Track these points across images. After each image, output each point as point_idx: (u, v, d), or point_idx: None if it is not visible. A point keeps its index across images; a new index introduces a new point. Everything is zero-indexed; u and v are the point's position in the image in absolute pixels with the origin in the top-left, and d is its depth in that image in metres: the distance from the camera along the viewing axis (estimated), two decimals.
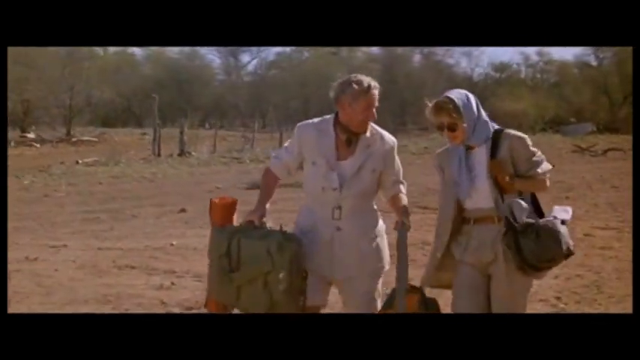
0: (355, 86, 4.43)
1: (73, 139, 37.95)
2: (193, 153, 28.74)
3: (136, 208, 14.50)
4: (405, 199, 4.69)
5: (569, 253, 4.22)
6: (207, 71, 66.04)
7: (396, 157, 4.71)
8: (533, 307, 7.17)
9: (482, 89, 58.16)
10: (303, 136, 4.62)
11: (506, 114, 53.61)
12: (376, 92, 4.49)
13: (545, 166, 4.37)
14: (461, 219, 4.45)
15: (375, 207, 4.70)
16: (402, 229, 4.46)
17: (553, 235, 4.17)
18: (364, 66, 64.57)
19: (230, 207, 4.63)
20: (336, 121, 4.56)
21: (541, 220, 4.24)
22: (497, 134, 4.35)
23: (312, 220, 4.58)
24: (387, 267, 4.69)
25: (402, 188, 4.73)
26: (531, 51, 66.78)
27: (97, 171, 22.31)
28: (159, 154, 28.34)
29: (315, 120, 4.68)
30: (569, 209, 4.36)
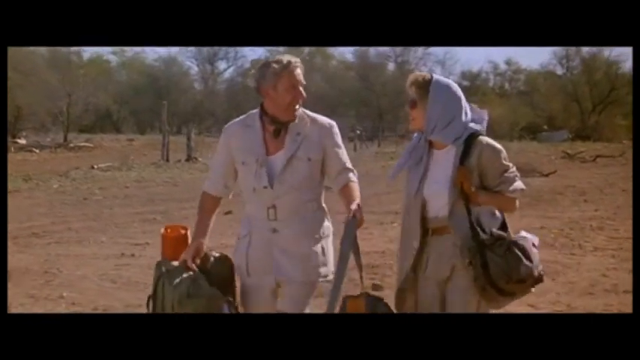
0: (275, 65, 4.01)
1: (70, 145, 38.41)
2: (200, 158, 29.35)
3: (183, 210, 15.09)
4: (356, 189, 4.15)
5: (539, 278, 3.84)
6: (184, 78, 66.63)
7: (339, 142, 4.23)
8: (627, 298, 7.98)
9: None
10: (229, 136, 4.22)
11: None
12: (298, 68, 4.05)
13: (518, 184, 3.95)
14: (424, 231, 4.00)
15: (324, 205, 4.26)
16: (350, 222, 3.91)
17: (525, 253, 3.77)
18: (339, 74, 65.83)
19: (182, 240, 4.24)
20: (262, 113, 4.16)
21: (513, 236, 3.85)
22: (472, 139, 3.92)
23: (248, 225, 4.19)
24: (331, 276, 4.14)
25: (352, 176, 4.20)
26: (500, 60, 68.41)
27: (115, 176, 22.88)
28: (167, 160, 28.91)
29: (242, 117, 4.28)
30: (536, 238, 3.94)
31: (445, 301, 3.96)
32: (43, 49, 49.57)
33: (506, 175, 3.92)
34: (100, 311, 7.41)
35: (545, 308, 7.42)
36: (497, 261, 3.73)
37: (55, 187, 19.49)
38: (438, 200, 3.93)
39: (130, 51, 66.06)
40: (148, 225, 13.28)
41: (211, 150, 32.79)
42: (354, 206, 3.96)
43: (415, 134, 4.10)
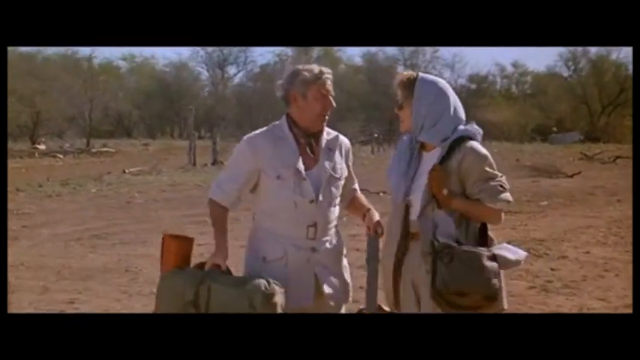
0: (306, 74, 3.93)
1: (92, 150, 38.92)
2: (225, 162, 29.79)
3: (230, 213, 15.43)
4: (364, 199, 4.26)
5: (489, 294, 3.57)
6: (195, 83, 67.24)
7: None
8: None
9: (465, 100, 59.97)
10: (258, 148, 3.96)
11: (490, 124, 55.63)
12: (329, 79, 3.97)
13: (503, 196, 3.71)
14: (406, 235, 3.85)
15: None
16: (374, 238, 3.97)
17: (470, 264, 3.54)
18: (348, 78, 66.13)
19: (188, 245, 4.04)
20: (291, 125, 4.01)
21: (463, 246, 3.61)
22: (457, 142, 3.73)
23: (281, 245, 3.95)
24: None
25: (357, 187, 4.28)
26: (506, 62, 68.93)
27: (148, 180, 23.26)
28: (194, 164, 29.32)
29: (263, 130, 4.05)
30: (523, 253, 3.79)
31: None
32: (56, 56, 50.21)
33: (490, 183, 3.69)
34: None
35: (616, 302, 7.79)
36: (442, 269, 3.55)
37: (94, 192, 19.83)
38: (418, 203, 3.76)
39: (140, 56, 66.72)
40: (201, 227, 13.56)
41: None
42: (375, 220, 4.03)
43: (405, 136, 3.95)
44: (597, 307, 7.56)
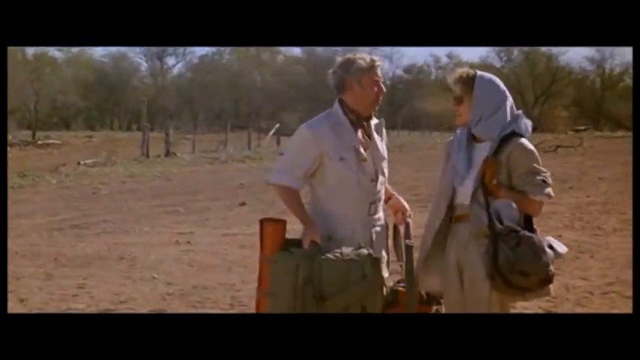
0: (361, 62, 4.19)
1: (39, 143, 38.59)
2: (178, 154, 30.02)
3: (197, 202, 15.62)
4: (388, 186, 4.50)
5: (546, 278, 3.84)
6: (134, 74, 66.85)
7: None
8: None
9: (404, 91, 60.83)
10: (321, 135, 4.19)
11: (429, 115, 56.51)
12: (380, 66, 4.28)
13: (547, 190, 3.97)
14: (449, 218, 4.15)
15: None
16: (408, 224, 4.34)
17: (535, 249, 3.80)
18: (288, 69, 66.45)
19: (284, 227, 4.17)
20: (346, 111, 4.26)
21: (527, 232, 3.86)
22: (508, 137, 3.99)
23: (349, 224, 4.21)
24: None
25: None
26: (442, 53, 69.91)
27: (105, 171, 23.30)
28: (147, 155, 29.38)
29: (320, 117, 4.31)
30: (565, 248, 4.04)
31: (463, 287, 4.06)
32: None
33: (536, 177, 3.94)
34: (199, 289, 8.02)
35: (597, 280, 8.29)
36: (506, 251, 3.78)
37: (55, 183, 19.85)
38: (465, 189, 4.03)
39: (76, 47, 65.87)
40: (175, 216, 13.81)
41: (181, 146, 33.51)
42: (403, 204, 4.45)
43: (459, 129, 4.21)
44: (581, 285, 8.03)
